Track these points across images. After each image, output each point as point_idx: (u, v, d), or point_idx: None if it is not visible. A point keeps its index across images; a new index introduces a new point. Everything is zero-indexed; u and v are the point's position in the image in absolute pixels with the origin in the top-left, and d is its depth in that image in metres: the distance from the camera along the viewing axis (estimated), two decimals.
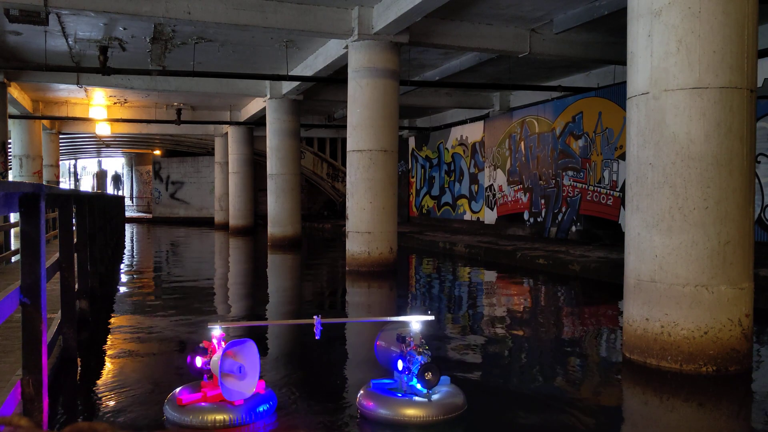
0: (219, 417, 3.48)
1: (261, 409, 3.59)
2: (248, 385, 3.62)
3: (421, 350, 3.70)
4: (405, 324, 3.91)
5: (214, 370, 3.59)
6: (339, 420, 3.84)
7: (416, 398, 3.66)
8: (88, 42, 12.43)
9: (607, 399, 4.59)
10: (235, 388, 3.58)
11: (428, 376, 3.61)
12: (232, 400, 3.53)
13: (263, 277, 12.30)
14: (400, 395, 3.70)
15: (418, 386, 3.67)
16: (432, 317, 3.98)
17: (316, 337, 3.74)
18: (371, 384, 3.84)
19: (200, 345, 3.74)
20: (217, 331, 3.70)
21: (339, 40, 11.27)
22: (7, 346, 4.50)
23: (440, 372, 3.68)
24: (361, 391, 3.81)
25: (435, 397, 3.68)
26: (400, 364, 3.75)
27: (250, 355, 3.65)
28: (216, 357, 3.58)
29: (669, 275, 4.64)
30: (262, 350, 4.01)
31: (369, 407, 3.68)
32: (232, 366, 3.58)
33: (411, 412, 3.59)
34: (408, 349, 3.71)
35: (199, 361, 3.67)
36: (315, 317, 3.72)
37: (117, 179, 47.19)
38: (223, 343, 3.69)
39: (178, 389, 3.72)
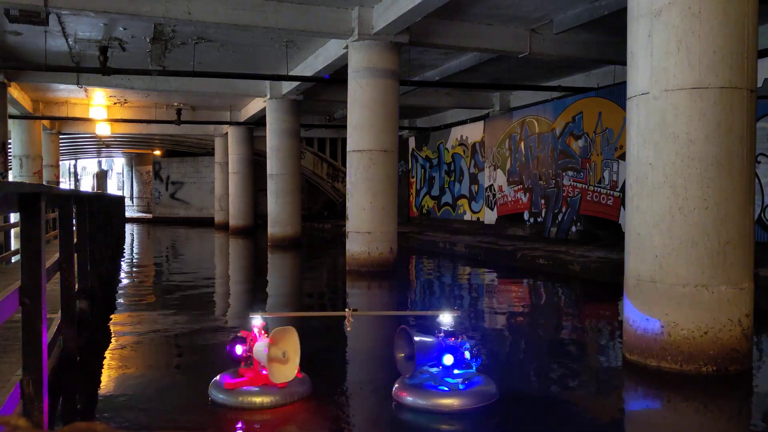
0: (262, 399, 3.81)
1: (299, 392, 3.89)
2: (291, 368, 3.92)
3: (463, 337, 3.97)
4: (438, 318, 4.11)
5: (259, 356, 3.92)
6: (376, 408, 4.13)
7: (444, 389, 3.85)
8: (88, 42, 12.43)
9: (607, 399, 4.59)
10: (280, 371, 3.88)
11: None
12: (277, 382, 3.85)
13: (263, 277, 12.30)
14: (434, 386, 3.88)
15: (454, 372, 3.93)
16: (458, 312, 4.24)
17: (347, 329, 4.09)
18: (406, 376, 4.04)
19: (238, 335, 4.06)
20: (258, 321, 4.04)
21: (339, 40, 11.27)
22: (7, 346, 4.50)
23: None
24: (397, 384, 3.98)
25: (465, 388, 3.88)
26: (449, 359, 3.91)
27: (292, 341, 3.93)
28: (261, 344, 3.92)
29: (669, 275, 4.64)
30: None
31: (406, 397, 3.86)
32: (277, 351, 3.87)
33: (446, 401, 3.79)
34: (454, 340, 3.94)
35: (239, 349, 3.98)
36: (346, 310, 4.05)
37: (103, 176, 46.91)
38: (263, 331, 4.03)
39: (218, 376, 4.02)
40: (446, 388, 3.85)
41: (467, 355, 3.92)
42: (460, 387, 3.85)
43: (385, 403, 3.99)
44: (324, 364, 5.02)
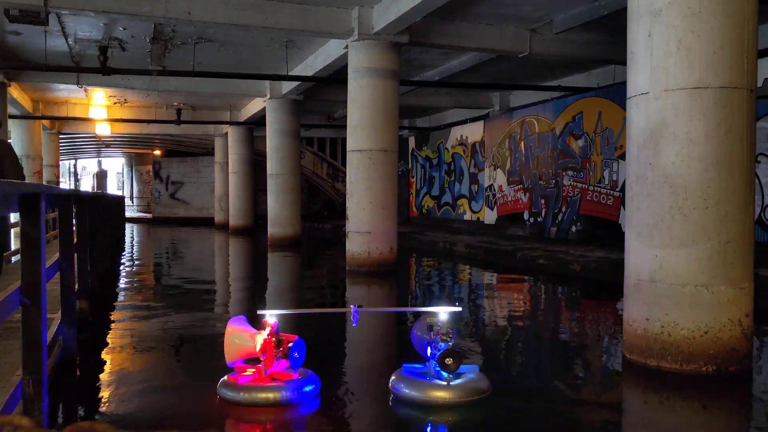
0: (270, 395, 3.85)
1: (307, 389, 3.93)
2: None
3: (444, 338, 3.99)
4: (435, 314, 4.19)
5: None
6: (373, 401, 4.25)
7: (436, 382, 3.93)
8: (88, 42, 12.42)
9: (607, 399, 4.59)
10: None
11: (448, 361, 3.89)
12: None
13: (263, 277, 12.30)
14: (429, 378, 3.99)
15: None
16: (460, 308, 4.28)
17: (353, 325, 4.13)
18: (402, 367, 4.15)
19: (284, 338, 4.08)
20: (272, 318, 4.08)
21: (339, 40, 11.26)
22: (7, 346, 4.50)
23: (461, 359, 3.94)
24: (393, 377, 4.10)
25: (460, 381, 3.95)
26: (428, 351, 4.05)
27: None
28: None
29: (669, 275, 4.64)
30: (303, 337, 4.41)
31: (400, 389, 3.98)
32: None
33: (439, 394, 3.88)
34: (434, 336, 4.02)
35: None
36: (352, 306, 4.09)
37: (103, 176, 46.86)
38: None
39: (226, 376, 4.04)
40: (440, 381, 3.92)
41: (449, 353, 3.97)
42: (450, 379, 3.92)
43: (384, 396, 4.09)
44: (328, 359, 5.05)
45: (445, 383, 3.90)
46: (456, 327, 4.30)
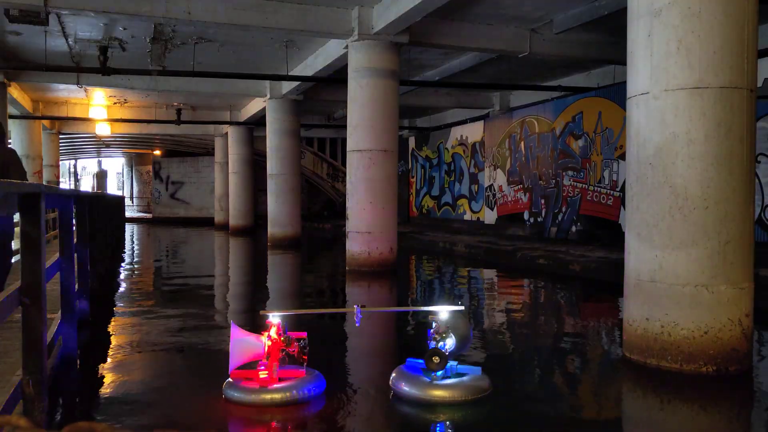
0: (288, 395, 3.85)
1: (313, 389, 3.95)
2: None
3: (437, 337, 4.01)
4: (436, 313, 4.22)
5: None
6: (377, 399, 4.25)
7: (422, 379, 3.95)
8: (88, 42, 12.43)
9: (607, 399, 4.59)
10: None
11: (435, 359, 3.89)
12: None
13: (263, 277, 12.30)
14: (428, 377, 3.97)
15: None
16: (462, 307, 4.25)
17: (356, 324, 4.16)
18: (407, 361, 4.17)
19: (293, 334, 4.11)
20: (276, 319, 4.05)
21: (339, 40, 11.27)
22: (7, 346, 4.50)
23: (447, 358, 3.92)
24: (394, 373, 4.13)
25: (459, 380, 3.98)
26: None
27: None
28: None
29: (669, 275, 4.64)
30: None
31: (400, 387, 4.00)
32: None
33: (438, 392, 3.88)
34: (431, 334, 4.05)
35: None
36: (355, 306, 4.13)
37: (103, 176, 46.84)
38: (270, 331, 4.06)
39: (231, 378, 4.03)
40: (438, 380, 3.93)
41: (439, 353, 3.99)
42: (436, 378, 3.93)
43: (388, 395, 4.13)
44: (330, 358, 5.06)
45: (431, 380, 3.91)
46: (471, 326, 4.31)
